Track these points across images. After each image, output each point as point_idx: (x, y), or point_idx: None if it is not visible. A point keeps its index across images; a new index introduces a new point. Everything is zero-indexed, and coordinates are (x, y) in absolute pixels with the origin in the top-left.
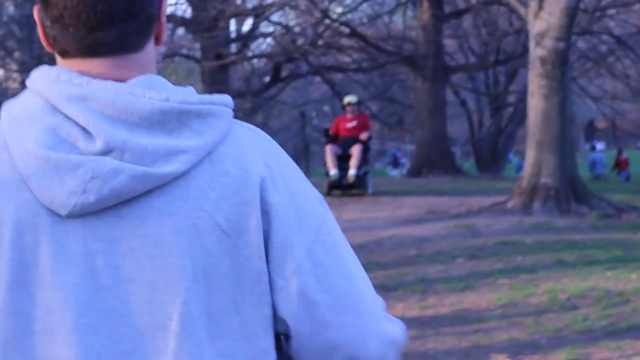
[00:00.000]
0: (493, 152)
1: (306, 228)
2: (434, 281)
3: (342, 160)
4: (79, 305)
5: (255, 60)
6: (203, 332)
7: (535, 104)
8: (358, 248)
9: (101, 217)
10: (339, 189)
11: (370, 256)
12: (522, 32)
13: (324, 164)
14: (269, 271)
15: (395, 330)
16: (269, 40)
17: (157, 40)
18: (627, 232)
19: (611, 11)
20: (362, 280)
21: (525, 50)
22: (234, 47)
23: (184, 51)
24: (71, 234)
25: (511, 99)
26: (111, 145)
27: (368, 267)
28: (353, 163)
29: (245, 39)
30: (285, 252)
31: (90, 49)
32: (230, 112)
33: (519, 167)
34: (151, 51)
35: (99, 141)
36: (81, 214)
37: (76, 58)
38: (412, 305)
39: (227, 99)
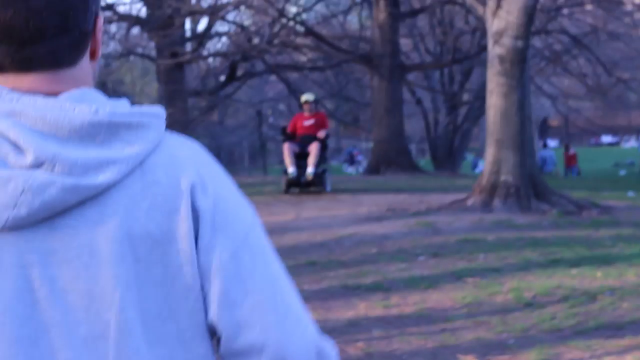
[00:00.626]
0: (449, 150)
1: (232, 232)
2: (396, 280)
3: (300, 158)
4: (18, 317)
5: (210, 59)
6: (140, 339)
7: (494, 102)
8: (318, 246)
9: (35, 229)
10: (297, 186)
11: (331, 255)
12: (478, 30)
13: (282, 162)
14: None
15: (327, 345)
16: (225, 39)
17: (92, 56)
18: (589, 229)
19: (566, 10)
20: (288, 290)
21: (481, 49)
22: (189, 47)
23: (139, 50)
24: (6, 247)
25: (466, 97)
26: (41, 158)
27: (329, 265)
28: (311, 161)
29: (201, 38)
30: (210, 255)
31: (23, 64)
32: (162, 123)
33: (475, 165)
34: (86, 66)
35: (29, 155)
36: (14, 227)
37: (9, 73)
38: (375, 304)
39: (158, 110)
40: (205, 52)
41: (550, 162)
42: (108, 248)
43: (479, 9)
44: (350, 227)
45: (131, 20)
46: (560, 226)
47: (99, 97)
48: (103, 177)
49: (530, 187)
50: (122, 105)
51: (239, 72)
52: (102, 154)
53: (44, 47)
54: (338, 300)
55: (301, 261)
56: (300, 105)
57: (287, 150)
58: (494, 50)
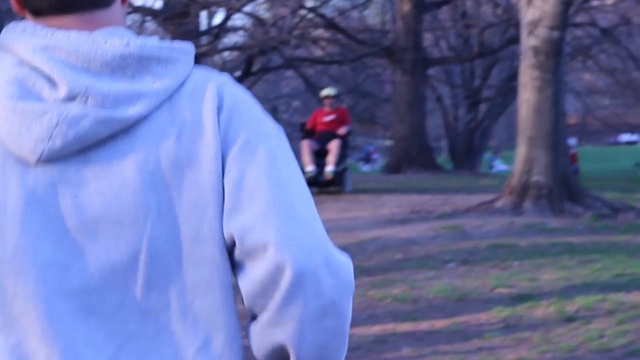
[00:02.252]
0: (468, 148)
1: (245, 144)
2: (425, 289)
3: (320, 156)
4: (50, 245)
5: (226, 54)
6: (173, 264)
7: (527, 97)
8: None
9: (68, 160)
10: (316, 186)
11: (353, 260)
12: (505, 22)
13: (298, 159)
14: None
15: (339, 255)
16: (242, 32)
17: (123, 1)
18: (627, 235)
19: (596, 2)
20: (298, 196)
21: (508, 42)
22: (205, 41)
23: None
24: (40, 178)
25: (486, 93)
26: (75, 91)
27: None
28: (331, 159)
29: (218, 31)
30: (223, 168)
31: (61, 5)
32: (191, 59)
33: (491, 163)
34: (118, 9)
35: (62, 88)
36: (49, 159)
37: (47, 16)
38: (404, 317)
39: (188, 46)
40: (221, 46)
41: None
42: (139, 177)
43: None
44: (372, 230)
45: (145, 12)
46: (596, 231)
47: (129, 33)
48: (134, 110)
49: (563, 189)
50: (152, 40)
51: (255, 67)
52: (133, 87)
53: None
54: (362, 313)
55: None
56: (320, 100)
57: (306, 148)
58: (528, 42)
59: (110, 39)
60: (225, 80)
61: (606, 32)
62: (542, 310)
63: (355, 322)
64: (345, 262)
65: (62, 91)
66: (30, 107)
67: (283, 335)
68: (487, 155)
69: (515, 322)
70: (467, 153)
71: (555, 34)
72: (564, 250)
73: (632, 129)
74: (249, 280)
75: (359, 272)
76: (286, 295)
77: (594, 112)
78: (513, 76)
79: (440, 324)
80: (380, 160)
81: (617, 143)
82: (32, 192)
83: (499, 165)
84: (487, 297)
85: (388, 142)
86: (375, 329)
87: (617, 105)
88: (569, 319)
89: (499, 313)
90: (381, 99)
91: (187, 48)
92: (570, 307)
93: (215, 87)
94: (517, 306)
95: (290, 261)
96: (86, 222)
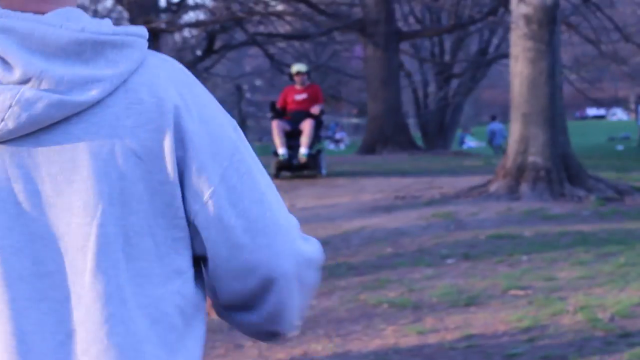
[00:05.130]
0: (440, 126)
1: (220, 155)
2: (426, 291)
3: (292, 138)
4: (1, 228)
5: (187, 32)
6: (119, 253)
7: (520, 70)
8: (321, 245)
9: (20, 144)
10: (288, 170)
11: (338, 256)
12: None
13: (261, 139)
14: (186, 197)
15: (311, 248)
16: (201, 10)
17: None
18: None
19: None
20: (276, 204)
21: (487, 13)
22: (163, 18)
23: (112, 21)
24: None
25: (458, 68)
26: (29, 74)
27: (337, 271)
28: (304, 140)
29: (176, 9)
30: (201, 178)
31: None
32: (145, 43)
33: (462, 140)
34: None
35: (16, 70)
36: (0, 141)
37: None
38: (406, 328)
39: (142, 30)
40: (182, 22)
41: (499, 135)
42: (91, 164)
43: None
44: (356, 220)
45: None
46: (604, 217)
47: (84, 15)
48: (88, 95)
49: (563, 170)
50: (107, 25)
51: (217, 45)
52: (87, 72)
53: None
54: (357, 324)
55: None
56: (291, 77)
57: (277, 129)
58: (519, 9)
59: (66, 22)
60: (183, 77)
61: (587, 1)
62: (569, 317)
63: (349, 335)
64: (317, 249)
65: (16, 73)
66: None
67: (257, 319)
68: (458, 132)
69: (540, 334)
70: (439, 131)
71: (549, 0)
72: (576, 242)
73: (597, 104)
74: (231, 290)
75: (347, 269)
76: (277, 300)
77: (574, 85)
78: (484, 50)
79: (450, 336)
80: (346, 139)
81: (584, 117)
82: None
83: (470, 142)
84: (501, 301)
85: (354, 120)
86: (375, 344)
87: (583, 80)
88: (606, 330)
89: (519, 322)
90: (347, 75)
91: (141, 32)
92: (603, 313)
93: (175, 84)
94: (539, 313)
95: (280, 274)
96: (39, 207)
